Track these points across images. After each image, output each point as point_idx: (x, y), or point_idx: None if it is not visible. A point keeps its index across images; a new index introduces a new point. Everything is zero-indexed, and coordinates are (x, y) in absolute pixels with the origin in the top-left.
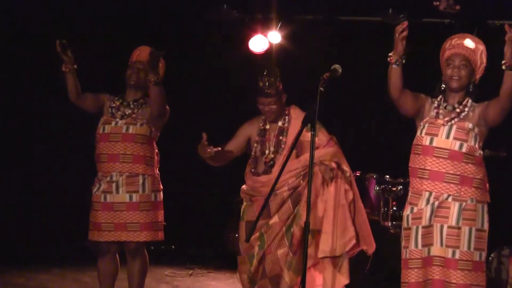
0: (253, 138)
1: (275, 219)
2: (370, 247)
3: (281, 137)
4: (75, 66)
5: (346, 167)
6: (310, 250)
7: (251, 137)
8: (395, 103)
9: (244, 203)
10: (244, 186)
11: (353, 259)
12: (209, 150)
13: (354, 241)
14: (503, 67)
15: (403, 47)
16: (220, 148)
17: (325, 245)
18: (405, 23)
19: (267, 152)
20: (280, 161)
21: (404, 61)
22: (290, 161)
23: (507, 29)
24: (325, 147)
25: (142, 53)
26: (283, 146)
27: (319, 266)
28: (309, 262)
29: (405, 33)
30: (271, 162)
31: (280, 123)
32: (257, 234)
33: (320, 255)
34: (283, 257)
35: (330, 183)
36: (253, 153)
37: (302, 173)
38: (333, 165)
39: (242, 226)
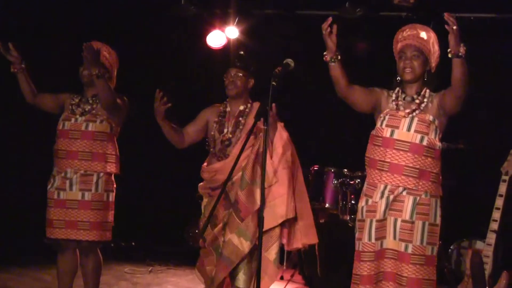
0: (212, 120)
1: None
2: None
3: (240, 119)
4: (23, 66)
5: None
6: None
7: (209, 120)
8: (345, 101)
9: (205, 200)
10: (201, 183)
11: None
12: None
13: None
14: (449, 55)
15: (333, 44)
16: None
17: (281, 208)
18: (329, 19)
19: (225, 131)
20: (236, 149)
21: (339, 57)
22: (246, 150)
23: (447, 18)
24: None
25: None
26: (241, 127)
27: None
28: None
29: (329, 30)
30: (227, 142)
31: (241, 107)
32: (220, 225)
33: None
34: (235, 228)
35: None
36: (212, 133)
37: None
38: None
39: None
